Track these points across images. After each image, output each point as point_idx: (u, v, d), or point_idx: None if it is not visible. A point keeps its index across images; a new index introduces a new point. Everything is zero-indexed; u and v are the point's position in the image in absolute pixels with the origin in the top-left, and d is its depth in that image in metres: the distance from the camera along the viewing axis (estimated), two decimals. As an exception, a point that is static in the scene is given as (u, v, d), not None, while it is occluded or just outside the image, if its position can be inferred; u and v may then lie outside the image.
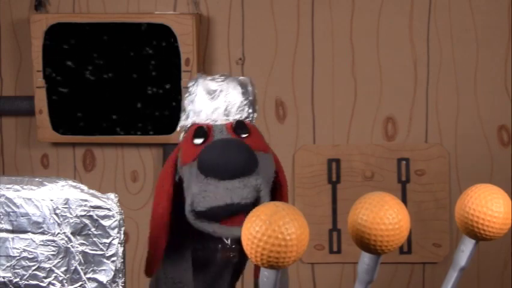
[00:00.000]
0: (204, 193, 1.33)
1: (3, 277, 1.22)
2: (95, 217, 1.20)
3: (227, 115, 1.41)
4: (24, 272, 1.22)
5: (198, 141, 1.38)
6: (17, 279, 1.22)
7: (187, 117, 1.44)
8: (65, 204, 1.20)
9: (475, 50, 2.35)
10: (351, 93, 2.39)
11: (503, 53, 2.35)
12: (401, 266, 2.42)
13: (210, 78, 1.44)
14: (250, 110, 1.43)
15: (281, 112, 2.41)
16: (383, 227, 1.07)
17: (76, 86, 2.36)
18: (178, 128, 1.47)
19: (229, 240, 1.42)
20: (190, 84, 1.44)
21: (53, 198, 1.20)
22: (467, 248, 1.23)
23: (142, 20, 2.32)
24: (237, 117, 1.41)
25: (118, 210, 1.21)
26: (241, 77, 1.46)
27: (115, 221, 1.20)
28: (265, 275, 1.06)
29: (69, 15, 2.37)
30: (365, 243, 1.09)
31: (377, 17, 2.36)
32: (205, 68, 2.39)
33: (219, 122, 1.40)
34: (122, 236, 1.21)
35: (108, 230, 1.20)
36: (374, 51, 2.37)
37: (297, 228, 1.00)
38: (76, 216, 1.20)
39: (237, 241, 1.40)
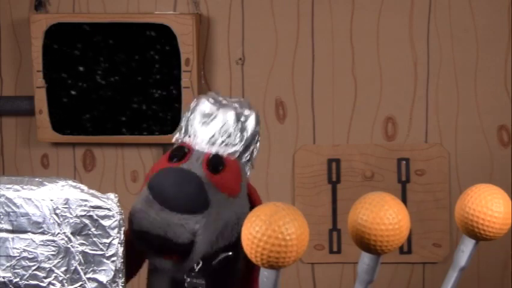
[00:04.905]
0: (144, 214, 1.26)
1: (3, 277, 1.22)
2: (95, 217, 1.20)
3: (212, 144, 1.34)
4: (24, 272, 1.22)
5: (174, 160, 1.33)
6: (17, 279, 1.22)
7: (181, 133, 1.39)
8: (65, 204, 1.20)
9: (475, 50, 2.35)
10: (351, 93, 2.39)
11: (503, 53, 2.35)
12: (401, 266, 2.42)
13: (211, 100, 1.37)
14: (240, 148, 1.35)
15: (281, 112, 2.41)
16: (383, 227, 1.07)
17: (75, 85, 2.36)
18: (174, 140, 1.41)
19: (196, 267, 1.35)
20: (193, 101, 1.39)
21: (53, 198, 1.20)
22: (467, 248, 1.23)
23: (142, 20, 2.32)
24: (220, 149, 1.34)
25: (118, 210, 1.20)
26: (245, 111, 1.36)
27: (115, 221, 1.20)
28: (265, 275, 1.06)
29: (69, 15, 2.37)
30: (365, 243, 1.09)
31: (377, 17, 2.36)
32: (205, 68, 2.39)
33: (202, 149, 1.34)
34: (122, 236, 1.21)
35: (108, 230, 1.20)
36: (374, 51, 2.37)
37: (297, 228, 1.00)
38: (76, 216, 1.20)
39: (203, 271, 1.33)
